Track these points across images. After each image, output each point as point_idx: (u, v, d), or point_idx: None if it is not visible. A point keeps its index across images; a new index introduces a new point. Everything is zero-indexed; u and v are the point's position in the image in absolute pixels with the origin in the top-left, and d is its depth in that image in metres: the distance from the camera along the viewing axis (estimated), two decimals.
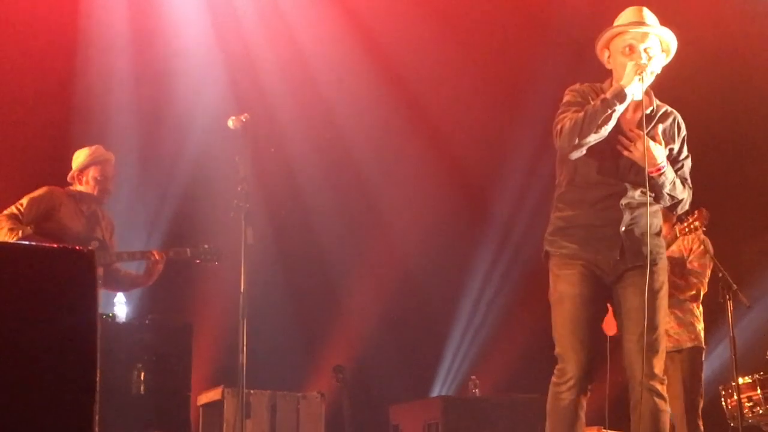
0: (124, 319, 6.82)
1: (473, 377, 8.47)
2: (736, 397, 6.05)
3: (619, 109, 4.12)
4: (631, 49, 4.21)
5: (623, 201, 4.23)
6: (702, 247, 5.92)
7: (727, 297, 5.69)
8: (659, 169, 4.19)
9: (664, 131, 4.32)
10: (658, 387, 4.19)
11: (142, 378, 6.64)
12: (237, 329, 5.01)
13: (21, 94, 8.02)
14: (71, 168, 6.32)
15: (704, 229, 5.67)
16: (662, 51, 4.27)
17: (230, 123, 5.27)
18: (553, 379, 4.26)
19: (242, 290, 5.04)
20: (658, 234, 4.34)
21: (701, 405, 5.83)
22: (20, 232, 5.87)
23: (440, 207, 9.34)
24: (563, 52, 8.14)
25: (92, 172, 6.25)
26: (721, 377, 7.05)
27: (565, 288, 4.26)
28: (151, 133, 8.53)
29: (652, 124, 4.30)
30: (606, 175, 4.25)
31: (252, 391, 6.68)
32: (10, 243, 4.90)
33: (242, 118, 5.26)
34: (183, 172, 8.62)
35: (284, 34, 8.87)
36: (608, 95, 4.12)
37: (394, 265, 9.36)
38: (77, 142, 6.51)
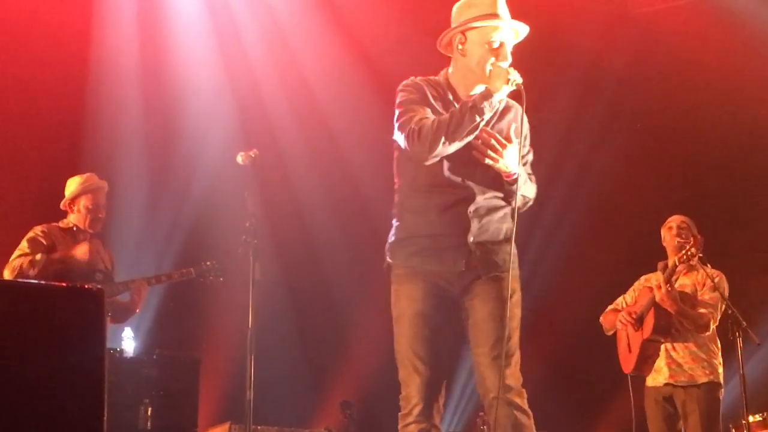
0: (131, 354, 6.80)
1: (481, 414, 8.42)
2: None
3: (487, 117, 3.79)
4: (500, 46, 3.86)
5: (471, 207, 3.87)
6: (717, 279, 5.92)
7: (737, 334, 5.67)
8: (511, 175, 3.86)
9: (514, 128, 3.95)
10: (517, 400, 3.81)
11: (149, 413, 6.60)
12: (244, 365, 4.99)
13: (33, 125, 8.06)
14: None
15: (700, 255, 5.69)
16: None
17: (239, 158, 5.26)
18: (400, 412, 3.86)
19: (250, 326, 5.02)
20: (508, 240, 3.92)
21: None
22: (37, 256, 5.88)
23: None
24: (572, 89, 8.18)
25: (84, 201, 6.23)
26: (731, 415, 7.00)
27: (404, 305, 3.89)
28: (160, 167, 8.56)
29: (496, 119, 3.95)
30: (452, 180, 3.87)
31: (259, 428, 6.65)
32: (19, 282, 4.91)
33: (251, 153, 5.24)
34: (192, 207, 8.64)
35: (293, 69, 8.92)
36: (479, 104, 3.74)
37: None
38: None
